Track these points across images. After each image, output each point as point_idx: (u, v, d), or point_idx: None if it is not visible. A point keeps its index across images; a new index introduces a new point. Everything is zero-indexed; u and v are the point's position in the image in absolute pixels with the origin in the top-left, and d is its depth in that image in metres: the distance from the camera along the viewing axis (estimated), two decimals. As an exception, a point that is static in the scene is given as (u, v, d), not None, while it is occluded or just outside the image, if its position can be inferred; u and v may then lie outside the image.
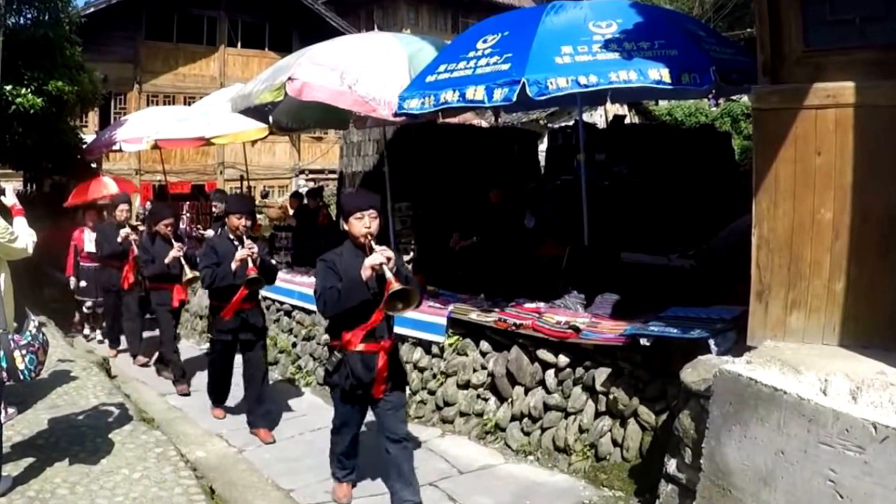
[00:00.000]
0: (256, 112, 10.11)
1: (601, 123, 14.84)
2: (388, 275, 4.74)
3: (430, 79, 7.29)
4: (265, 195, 24.63)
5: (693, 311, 5.84)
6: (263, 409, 7.32)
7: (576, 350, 6.26)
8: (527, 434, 6.58)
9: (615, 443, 5.88)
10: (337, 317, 5.13)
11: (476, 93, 6.58)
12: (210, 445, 6.76)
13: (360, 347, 5.11)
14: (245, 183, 17.64)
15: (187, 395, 8.59)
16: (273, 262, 7.83)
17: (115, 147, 14.47)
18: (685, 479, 4.69)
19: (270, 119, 10.57)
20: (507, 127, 15.74)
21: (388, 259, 4.81)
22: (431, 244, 10.03)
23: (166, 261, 8.64)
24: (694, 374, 4.71)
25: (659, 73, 6.03)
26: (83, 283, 11.39)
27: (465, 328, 7.47)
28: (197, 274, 8.07)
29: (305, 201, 13.81)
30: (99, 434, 6.11)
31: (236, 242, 7.05)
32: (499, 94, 6.41)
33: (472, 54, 7.10)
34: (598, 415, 6.08)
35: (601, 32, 6.58)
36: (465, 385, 7.29)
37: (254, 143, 15.57)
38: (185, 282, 8.74)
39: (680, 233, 8.26)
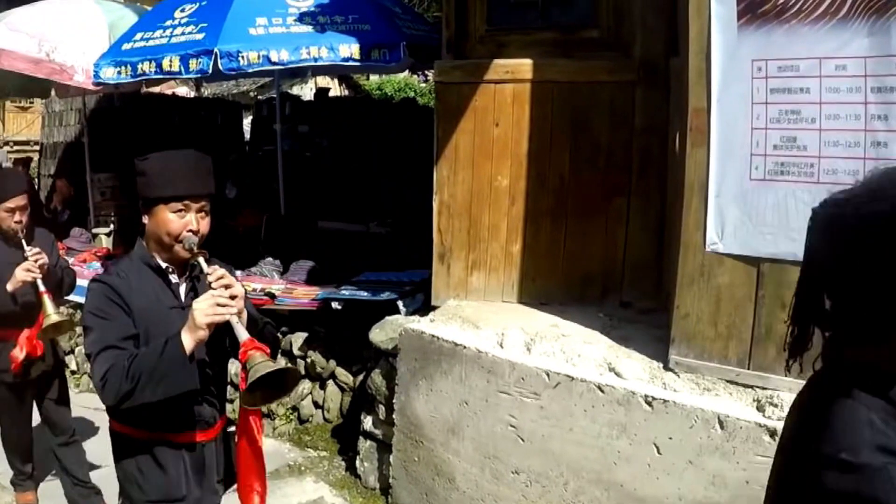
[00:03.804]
0: (-48, 80, 8.86)
1: (309, 96, 14.61)
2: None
3: (126, 47, 6.80)
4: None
5: (385, 275, 5.86)
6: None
7: (272, 316, 6.01)
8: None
9: (316, 405, 5.75)
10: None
11: (172, 63, 6.22)
12: None
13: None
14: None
15: None
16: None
17: None
18: (381, 434, 4.66)
19: (-32, 87, 9.37)
20: (212, 98, 15.15)
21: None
22: (133, 215, 9.37)
23: (9, 286, 4.03)
24: (381, 333, 4.65)
25: (349, 50, 5.94)
26: None
27: (163, 298, 6.98)
28: (63, 315, 4.22)
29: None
30: None
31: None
32: (194, 65, 6.11)
33: (168, 23, 6.69)
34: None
35: (297, 5, 6.43)
36: (162, 356, 6.80)
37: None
38: (43, 329, 4.08)
39: (380, 201, 8.28)
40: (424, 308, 5.05)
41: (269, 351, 2.40)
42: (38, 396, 4.54)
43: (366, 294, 5.50)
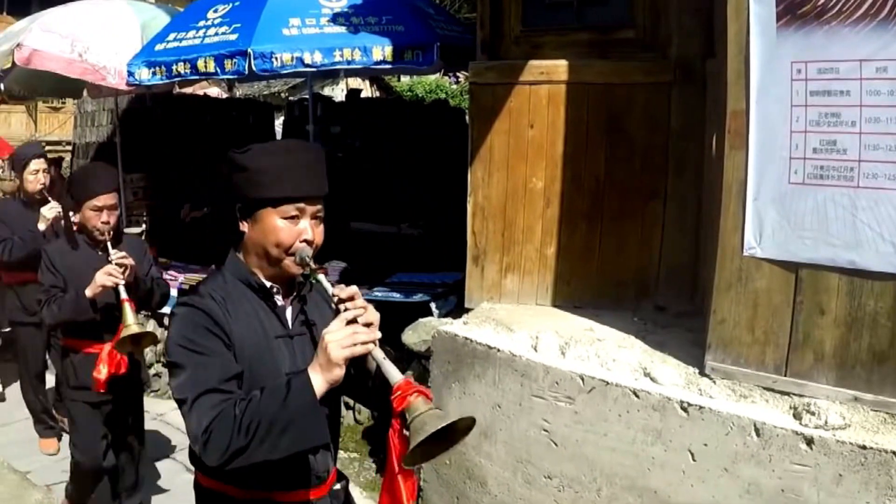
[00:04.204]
0: (-13, 79, 8.94)
1: (341, 97, 14.67)
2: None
3: (159, 47, 6.80)
4: (-1, 168, 22.06)
5: (417, 277, 5.86)
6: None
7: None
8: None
9: (347, 406, 5.74)
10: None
11: (207, 64, 6.20)
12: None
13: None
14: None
15: None
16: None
17: None
18: (412, 437, 4.66)
19: (2, 86, 9.44)
20: (244, 99, 15.27)
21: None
22: (164, 215, 9.48)
23: (88, 291, 3.73)
24: (414, 335, 4.66)
25: (382, 52, 5.89)
26: None
27: (196, 298, 7.03)
28: (144, 327, 4.10)
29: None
30: None
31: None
32: (230, 66, 6.08)
33: (202, 23, 6.67)
34: (329, 381, 5.92)
35: (330, 6, 6.39)
36: (199, 356, 6.85)
37: (-14, 112, 13.79)
38: (120, 341, 3.73)
39: (411, 203, 8.29)
40: (457, 310, 5.05)
41: (430, 394, 1.88)
42: (113, 415, 4.16)
43: (398, 296, 5.51)
